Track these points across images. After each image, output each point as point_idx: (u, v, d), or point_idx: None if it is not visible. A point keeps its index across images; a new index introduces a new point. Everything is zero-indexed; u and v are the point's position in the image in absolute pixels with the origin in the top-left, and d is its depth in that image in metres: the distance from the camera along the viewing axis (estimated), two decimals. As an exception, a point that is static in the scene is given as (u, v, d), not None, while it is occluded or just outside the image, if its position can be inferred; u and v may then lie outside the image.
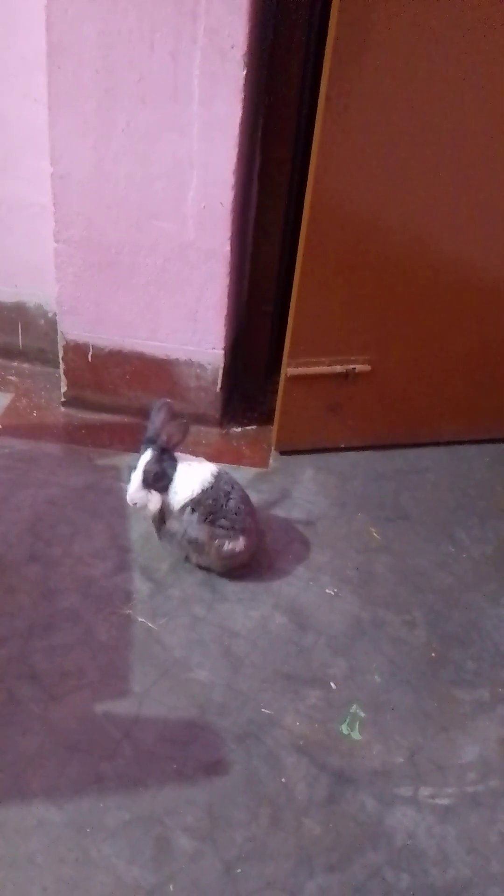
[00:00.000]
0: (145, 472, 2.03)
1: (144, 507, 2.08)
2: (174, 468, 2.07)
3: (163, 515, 2.10)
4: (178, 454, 2.10)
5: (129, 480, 2.06)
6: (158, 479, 2.04)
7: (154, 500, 2.05)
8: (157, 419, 2.07)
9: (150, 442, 2.07)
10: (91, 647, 1.91)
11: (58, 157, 2.28)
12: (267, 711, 1.83)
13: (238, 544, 2.07)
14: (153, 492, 2.05)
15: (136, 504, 2.06)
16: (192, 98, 2.15)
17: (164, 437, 2.05)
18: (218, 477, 2.09)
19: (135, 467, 2.05)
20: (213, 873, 1.53)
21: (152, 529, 2.18)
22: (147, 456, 2.05)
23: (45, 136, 2.28)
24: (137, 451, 2.09)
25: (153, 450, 2.05)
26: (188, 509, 2.06)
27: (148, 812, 1.61)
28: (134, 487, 2.04)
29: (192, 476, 2.07)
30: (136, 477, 2.04)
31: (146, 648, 1.93)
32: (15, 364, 2.90)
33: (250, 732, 1.78)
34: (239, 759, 1.73)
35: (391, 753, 1.78)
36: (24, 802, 1.60)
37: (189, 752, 1.73)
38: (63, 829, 1.56)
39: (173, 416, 2.07)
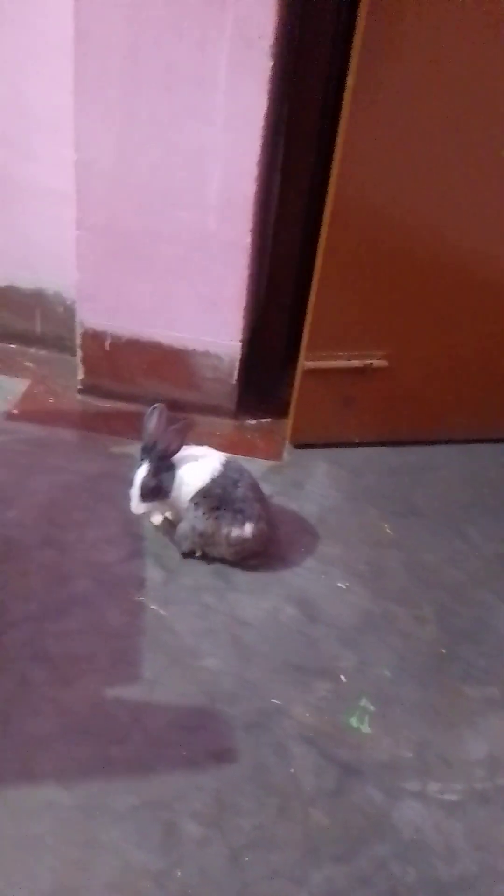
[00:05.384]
0: (142, 488, 2.03)
1: (151, 513, 2.15)
2: (172, 477, 2.05)
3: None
4: (184, 445, 2.08)
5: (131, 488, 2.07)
6: (156, 493, 2.05)
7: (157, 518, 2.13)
8: (150, 425, 2.03)
9: (146, 451, 2.05)
10: (103, 632, 1.92)
11: (82, 145, 2.29)
12: (276, 701, 1.84)
13: (244, 531, 2.07)
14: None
15: (141, 513, 2.10)
16: (218, 88, 2.15)
17: (160, 446, 2.03)
18: (226, 465, 2.09)
19: (132, 481, 2.05)
20: (220, 860, 1.54)
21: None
22: (143, 470, 2.03)
23: (68, 122, 2.28)
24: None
25: (149, 461, 2.03)
26: (193, 504, 2.06)
27: (156, 797, 1.62)
28: (135, 502, 2.06)
29: (202, 467, 2.07)
30: (135, 492, 2.04)
31: (157, 635, 1.94)
32: (32, 350, 2.91)
33: (259, 722, 1.79)
34: (247, 747, 1.73)
35: (399, 747, 1.78)
36: (34, 784, 1.60)
37: (198, 739, 1.73)
38: (71, 811, 1.57)
39: (169, 420, 2.03)
